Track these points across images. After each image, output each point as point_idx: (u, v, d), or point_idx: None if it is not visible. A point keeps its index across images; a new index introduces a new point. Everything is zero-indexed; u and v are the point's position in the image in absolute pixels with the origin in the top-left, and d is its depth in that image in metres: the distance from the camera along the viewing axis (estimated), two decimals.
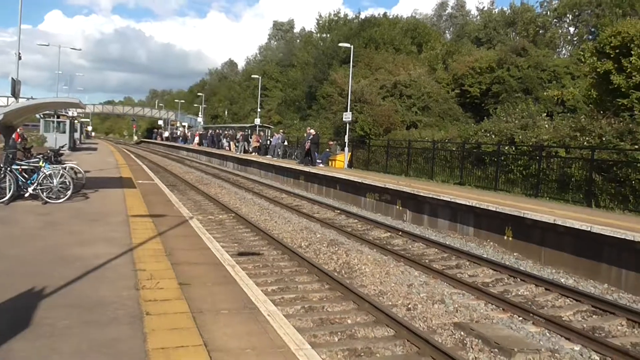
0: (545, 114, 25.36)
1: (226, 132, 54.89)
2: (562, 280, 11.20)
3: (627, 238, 10.52)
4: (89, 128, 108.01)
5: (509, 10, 54.64)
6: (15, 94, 21.74)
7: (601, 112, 20.97)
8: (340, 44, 41.29)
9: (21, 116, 16.75)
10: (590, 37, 44.98)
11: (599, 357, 7.17)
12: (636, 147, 15.94)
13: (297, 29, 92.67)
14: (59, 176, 13.53)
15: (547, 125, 20.81)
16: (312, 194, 25.27)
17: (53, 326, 5.17)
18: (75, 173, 15.81)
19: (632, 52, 22.31)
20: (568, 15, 51.20)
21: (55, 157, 16.62)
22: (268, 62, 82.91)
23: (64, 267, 7.33)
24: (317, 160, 29.22)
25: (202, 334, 5.16)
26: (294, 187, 27.81)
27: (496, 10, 58.95)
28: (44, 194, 13.25)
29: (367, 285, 10.16)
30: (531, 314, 8.51)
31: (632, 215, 13.87)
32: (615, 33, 23.37)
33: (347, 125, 30.88)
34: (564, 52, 50.74)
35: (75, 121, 53.67)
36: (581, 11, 49.86)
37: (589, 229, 11.33)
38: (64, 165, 14.94)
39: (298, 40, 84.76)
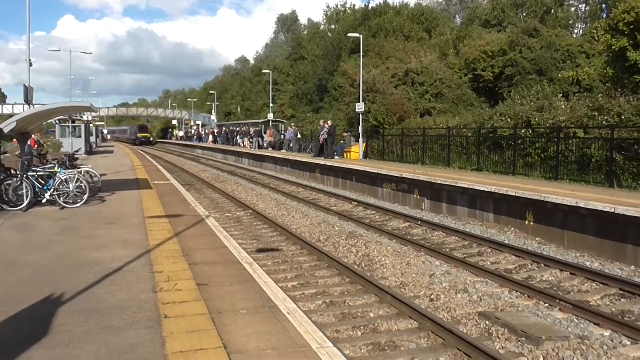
0: (560, 95, 24.99)
1: (239, 129, 54.94)
2: (587, 263, 10.98)
3: None
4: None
5: None
6: (28, 100, 21.85)
7: (618, 89, 20.61)
8: (349, 34, 40.98)
9: (34, 122, 16.81)
10: (603, 13, 44.26)
11: (630, 341, 6.97)
12: None
13: (304, 21, 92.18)
14: (74, 181, 13.57)
15: (563, 106, 20.48)
16: (329, 186, 25.16)
17: (71, 333, 5.12)
18: (91, 177, 15.84)
19: None
20: None
21: (70, 161, 16.65)
22: (278, 56, 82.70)
23: (82, 271, 7.30)
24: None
25: (221, 335, 5.06)
26: (310, 180, 27.71)
27: None
28: (61, 199, 13.30)
29: (388, 277, 10.03)
30: (557, 300, 8.32)
31: None
32: (629, 8, 22.91)
33: (360, 115, 30.65)
34: (576, 31, 49.90)
35: (91, 125, 54.02)
36: None
37: (612, 210, 11.08)
38: (79, 170, 14.97)
39: (305, 32, 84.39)
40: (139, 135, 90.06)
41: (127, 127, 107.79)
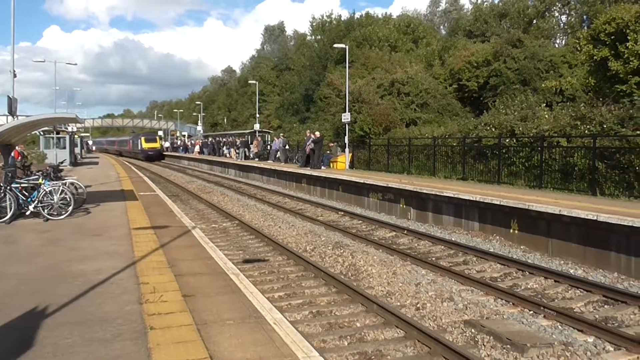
0: (544, 105, 25.24)
1: (226, 140, 54.84)
2: (571, 271, 11.08)
3: (634, 225, 10.41)
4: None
5: (500, 2, 54.46)
6: (12, 111, 21.67)
7: (600, 99, 20.86)
8: (334, 45, 41.20)
9: (19, 134, 16.67)
10: (584, 24, 44.92)
11: (613, 347, 7.06)
12: (638, 132, 15.82)
13: (290, 32, 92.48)
14: (59, 192, 13.48)
15: (547, 116, 20.68)
16: (315, 196, 25.18)
17: (56, 345, 5.09)
18: (76, 188, 15.74)
19: (629, 38, 22.25)
20: (557, 4, 51.08)
21: (54, 173, 16.55)
22: (264, 67, 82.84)
23: (67, 284, 7.26)
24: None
25: (207, 346, 5.06)
26: (297, 191, 27.73)
27: (486, 3, 58.68)
28: (45, 211, 13.19)
29: (375, 286, 10.06)
30: (542, 307, 8.39)
31: (638, 202, 13.74)
32: (610, 19, 23.29)
33: (347, 126, 30.78)
34: (558, 41, 50.51)
35: (75, 136, 53.70)
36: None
37: (595, 218, 11.22)
38: (64, 181, 14.88)
39: (292, 43, 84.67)
40: (145, 146, 68.17)
41: (129, 137, 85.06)
